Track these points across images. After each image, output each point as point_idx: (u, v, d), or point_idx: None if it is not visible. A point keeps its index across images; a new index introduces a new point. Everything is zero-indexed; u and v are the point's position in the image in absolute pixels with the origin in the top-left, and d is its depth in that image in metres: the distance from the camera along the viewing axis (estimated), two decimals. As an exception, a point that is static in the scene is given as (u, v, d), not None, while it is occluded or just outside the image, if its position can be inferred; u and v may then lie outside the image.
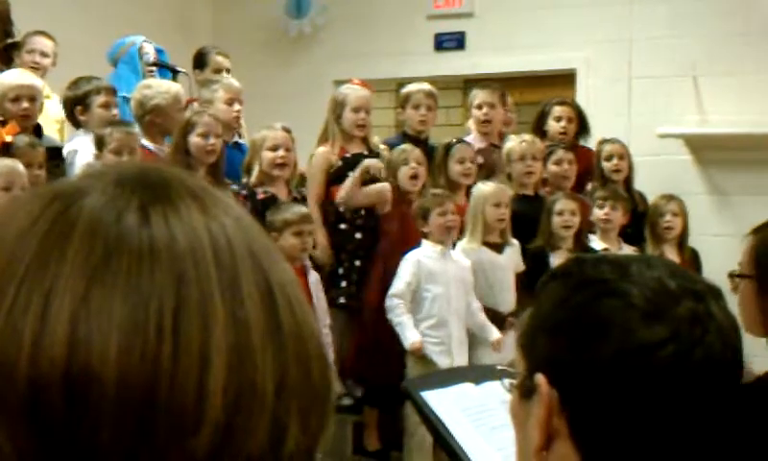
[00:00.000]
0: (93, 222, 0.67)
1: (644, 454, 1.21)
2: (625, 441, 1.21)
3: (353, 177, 6.02)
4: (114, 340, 0.64)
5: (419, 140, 6.57)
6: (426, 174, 6.23)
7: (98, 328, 0.64)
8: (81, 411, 0.63)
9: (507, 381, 1.36)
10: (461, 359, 5.70)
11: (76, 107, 5.75)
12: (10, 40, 6.26)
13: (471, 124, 7.14)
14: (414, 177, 6.11)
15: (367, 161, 6.07)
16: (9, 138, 5.11)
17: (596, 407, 1.21)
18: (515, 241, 6.16)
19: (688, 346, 1.20)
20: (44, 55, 6.31)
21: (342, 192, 6.04)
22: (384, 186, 6.05)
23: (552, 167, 6.75)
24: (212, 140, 5.59)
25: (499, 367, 1.40)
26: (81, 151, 5.47)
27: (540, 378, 1.24)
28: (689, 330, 1.20)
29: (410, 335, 5.69)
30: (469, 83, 7.53)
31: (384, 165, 6.16)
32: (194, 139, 5.53)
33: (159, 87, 5.89)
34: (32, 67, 6.09)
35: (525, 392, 1.28)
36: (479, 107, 7.00)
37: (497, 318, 5.97)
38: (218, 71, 6.80)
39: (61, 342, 0.64)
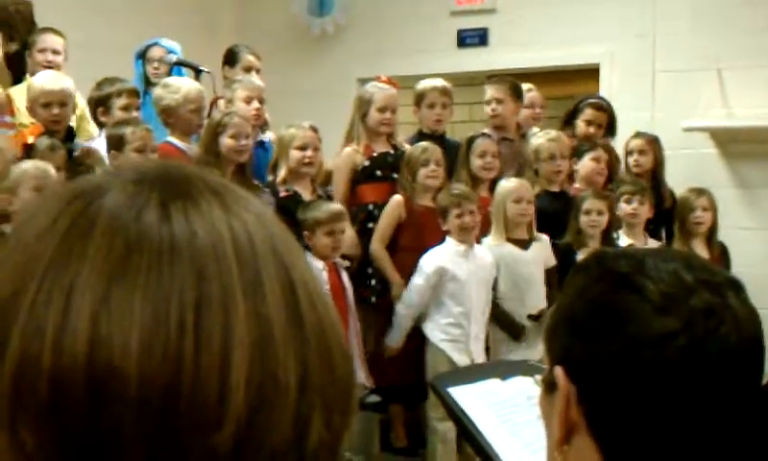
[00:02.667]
0: (113, 219, 0.67)
1: (661, 446, 1.21)
2: (641, 433, 1.20)
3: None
4: (136, 337, 0.64)
5: (435, 137, 6.54)
6: (445, 171, 6.18)
7: (119, 325, 0.64)
8: (103, 407, 0.64)
9: (537, 377, 1.36)
10: (477, 358, 5.70)
11: (98, 108, 5.77)
12: (15, 47, 6.26)
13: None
14: (433, 178, 6.09)
15: None
16: (31, 140, 5.13)
17: (612, 400, 1.21)
18: (543, 236, 6.14)
19: (701, 337, 1.19)
20: (56, 52, 6.30)
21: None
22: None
23: (591, 163, 6.71)
24: (243, 141, 5.62)
25: (530, 362, 1.40)
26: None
27: (559, 372, 1.24)
28: (703, 322, 1.20)
29: (395, 337, 5.80)
30: (493, 79, 7.51)
31: (405, 161, 6.15)
32: (226, 140, 5.54)
33: (171, 87, 5.89)
34: (45, 66, 6.09)
35: (549, 386, 1.28)
36: (488, 102, 6.95)
37: (514, 326, 5.97)
38: (248, 70, 6.79)
39: (83, 339, 0.64)
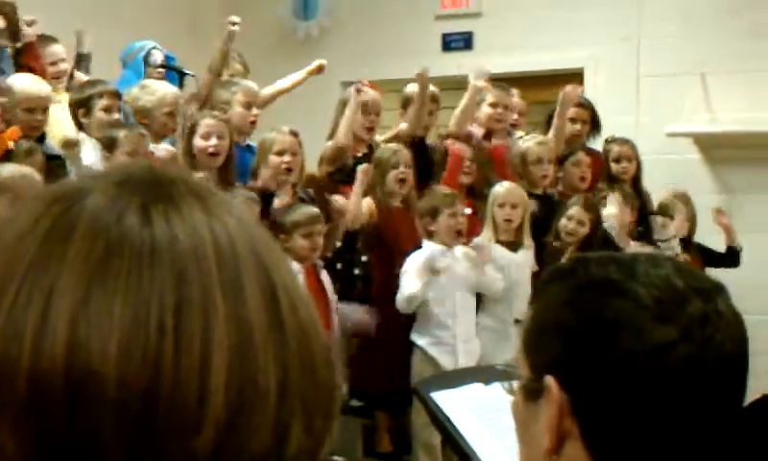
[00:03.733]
0: (94, 222, 0.67)
1: (658, 454, 1.20)
2: (638, 443, 1.20)
3: (358, 193, 5.93)
4: (115, 339, 0.64)
5: (414, 140, 6.53)
6: (415, 175, 6.16)
7: (98, 328, 0.64)
8: (81, 410, 0.63)
9: (507, 383, 1.35)
10: (466, 359, 5.69)
11: (79, 109, 5.73)
12: (18, 44, 6.23)
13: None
14: (401, 180, 6.08)
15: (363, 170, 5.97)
16: (11, 144, 5.10)
17: (608, 410, 1.20)
18: (529, 242, 6.14)
19: (700, 345, 1.19)
20: (63, 61, 6.31)
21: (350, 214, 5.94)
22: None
23: (571, 169, 6.75)
24: (214, 141, 5.56)
25: (499, 367, 1.38)
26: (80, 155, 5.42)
27: (551, 381, 1.22)
28: (701, 330, 1.19)
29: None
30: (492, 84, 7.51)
31: (373, 163, 6.13)
32: (197, 141, 5.52)
33: (148, 89, 5.88)
34: (54, 77, 6.08)
35: (531, 394, 1.26)
36: (493, 105, 6.93)
37: None
38: (233, 77, 6.79)
39: (62, 342, 0.64)
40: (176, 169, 0.75)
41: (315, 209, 5.54)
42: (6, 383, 0.64)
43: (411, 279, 5.66)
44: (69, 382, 0.63)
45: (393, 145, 6.23)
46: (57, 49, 6.31)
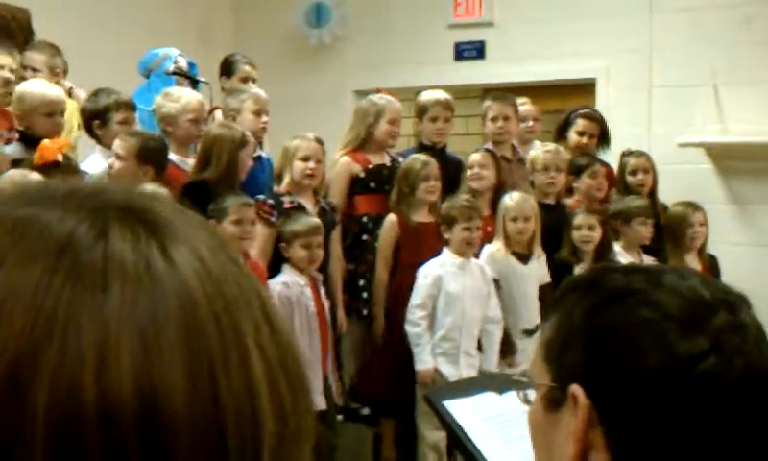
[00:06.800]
0: (126, 272, 0.62)
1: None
2: (666, 454, 1.19)
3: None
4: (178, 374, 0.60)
5: (434, 149, 6.54)
6: (442, 186, 6.18)
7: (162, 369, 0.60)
8: (153, 440, 0.59)
9: (522, 392, 1.34)
10: (468, 371, 5.69)
11: (94, 120, 5.66)
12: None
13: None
14: (431, 192, 6.09)
15: None
16: (60, 157, 5.07)
17: (636, 420, 1.20)
18: (540, 253, 6.13)
19: (729, 357, 1.19)
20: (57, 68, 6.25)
21: None
22: None
23: (587, 180, 6.73)
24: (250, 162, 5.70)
25: (512, 376, 1.37)
26: (93, 170, 5.36)
27: (578, 390, 1.22)
28: (730, 341, 1.19)
29: (425, 359, 5.71)
30: (489, 92, 7.51)
31: (402, 174, 6.13)
32: (244, 157, 5.54)
33: (171, 96, 5.87)
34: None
35: (552, 403, 1.26)
36: (494, 119, 6.89)
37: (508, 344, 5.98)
38: (245, 80, 6.77)
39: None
40: (157, 202, 0.70)
41: (316, 220, 5.54)
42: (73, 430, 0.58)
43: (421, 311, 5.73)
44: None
45: (422, 156, 6.20)
46: (35, 56, 6.16)
